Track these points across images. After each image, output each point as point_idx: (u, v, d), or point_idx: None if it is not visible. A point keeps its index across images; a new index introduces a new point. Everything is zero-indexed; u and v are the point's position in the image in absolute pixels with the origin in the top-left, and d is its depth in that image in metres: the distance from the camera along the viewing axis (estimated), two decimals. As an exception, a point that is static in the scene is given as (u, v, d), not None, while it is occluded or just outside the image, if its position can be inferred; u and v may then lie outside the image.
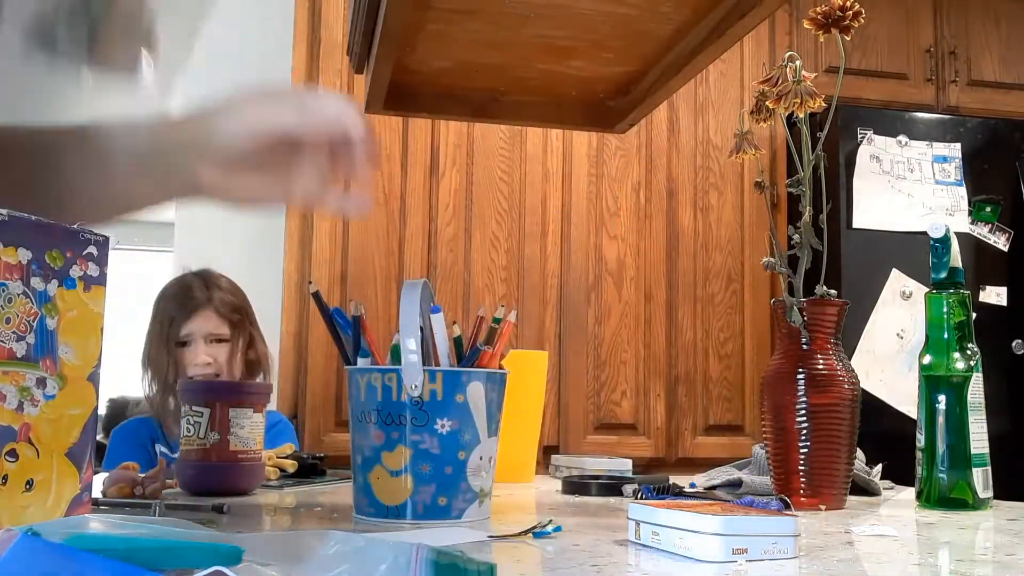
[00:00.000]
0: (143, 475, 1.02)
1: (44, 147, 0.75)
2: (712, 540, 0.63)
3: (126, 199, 0.77)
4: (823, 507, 1.00)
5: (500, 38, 1.15)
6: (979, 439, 1.04)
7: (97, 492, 1.00)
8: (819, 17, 1.02)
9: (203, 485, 1.06)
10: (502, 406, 0.89)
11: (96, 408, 0.61)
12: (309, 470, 1.29)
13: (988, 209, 2.76)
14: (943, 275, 1.07)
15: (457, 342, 0.88)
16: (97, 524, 0.45)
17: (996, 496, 1.05)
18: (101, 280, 0.60)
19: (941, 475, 1.03)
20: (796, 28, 2.81)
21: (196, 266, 1.96)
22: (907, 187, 2.70)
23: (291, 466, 1.27)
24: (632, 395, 2.60)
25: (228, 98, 0.73)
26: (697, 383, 2.65)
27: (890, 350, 2.60)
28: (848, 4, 1.01)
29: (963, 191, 2.75)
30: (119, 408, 6.85)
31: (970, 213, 2.74)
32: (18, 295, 0.54)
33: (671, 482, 1.12)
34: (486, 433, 0.86)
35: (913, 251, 2.62)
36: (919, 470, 1.05)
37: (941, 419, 1.04)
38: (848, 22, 1.01)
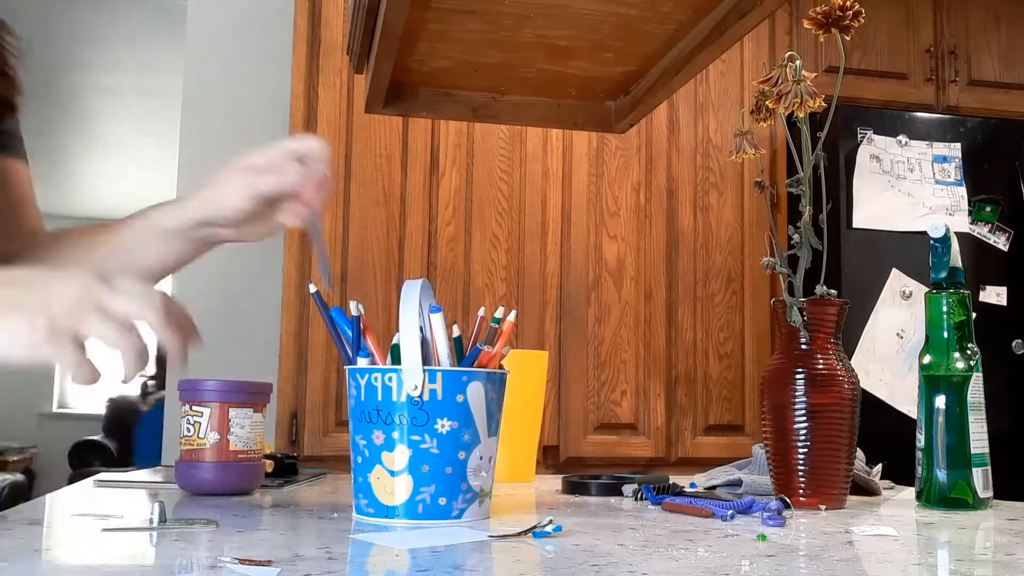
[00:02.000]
0: None
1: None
2: None
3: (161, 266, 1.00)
4: (823, 507, 1.00)
5: (500, 38, 1.15)
6: (979, 439, 1.04)
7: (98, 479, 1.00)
8: (819, 17, 1.02)
9: (203, 485, 1.06)
10: (502, 406, 0.89)
11: None
12: (288, 469, 1.30)
13: (988, 209, 2.76)
14: (943, 275, 1.07)
15: (457, 342, 0.88)
16: None
17: (996, 496, 1.05)
18: None
19: (941, 475, 1.03)
20: (796, 28, 2.81)
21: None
22: (907, 187, 2.70)
23: (268, 466, 1.27)
24: (632, 395, 2.60)
25: (220, 174, 0.95)
26: (697, 383, 2.65)
27: (890, 350, 2.60)
28: (848, 4, 1.01)
29: (963, 191, 2.75)
30: (118, 408, 6.85)
31: (970, 213, 2.74)
32: None
33: (671, 482, 1.12)
34: (486, 433, 0.86)
35: (913, 251, 2.62)
36: (919, 470, 1.05)
37: (941, 419, 1.04)
38: (848, 22, 1.01)
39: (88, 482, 1.23)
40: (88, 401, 7.32)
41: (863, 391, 1.06)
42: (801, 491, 1.02)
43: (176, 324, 0.71)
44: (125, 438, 6.57)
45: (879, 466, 1.24)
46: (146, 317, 0.69)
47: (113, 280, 0.70)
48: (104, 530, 0.77)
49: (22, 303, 0.67)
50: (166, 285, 2.98)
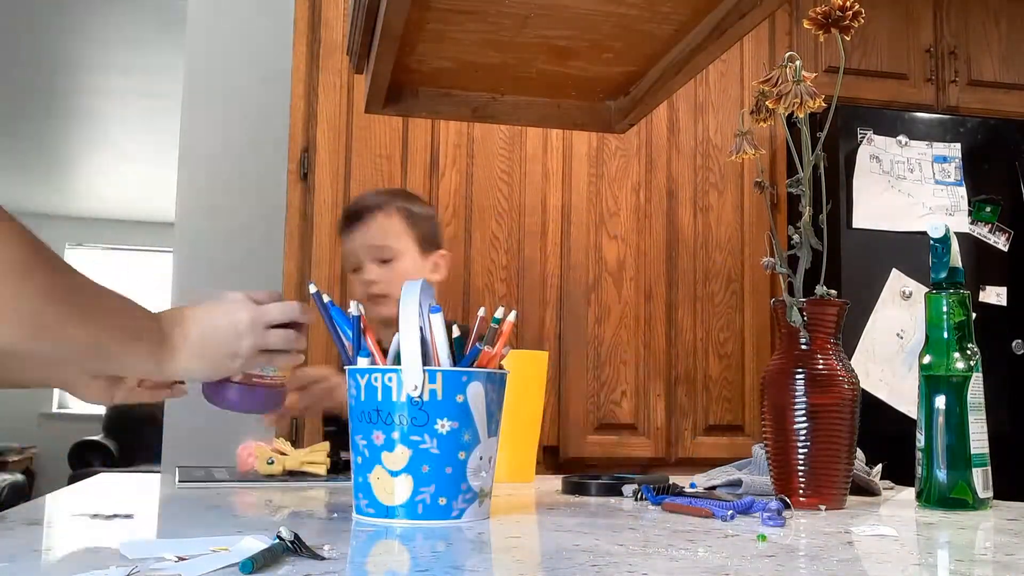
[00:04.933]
0: None
1: None
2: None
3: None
4: (823, 507, 1.00)
5: (500, 38, 1.15)
6: (979, 439, 1.04)
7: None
8: (819, 17, 1.02)
9: (230, 404, 1.13)
10: (502, 406, 0.89)
11: None
12: (345, 466, 1.29)
13: (988, 209, 2.76)
14: (943, 275, 1.07)
15: (457, 342, 0.88)
16: None
17: (996, 496, 1.05)
18: None
19: (941, 475, 1.03)
20: (796, 28, 2.81)
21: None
22: (907, 187, 2.70)
23: (321, 467, 1.25)
24: (632, 395, 2.60)
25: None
26: (697, 383, 2.65)
27: (890, 350, 2.60)
28: (848, 4, 1.01)
29: (963, 191, 2.74)
30: (118, 408, 6.85)
31: (970, 213, 2.74)
32: None
33: (671, 482, 1.11)
34: (486, 433, 0.86)
35: (913, 251, 2.62)
36: (919, 470, 1.05)
37: (941, 419, 1.04)
38: (848, 22, 1.01)
39: (92, 480, 1.23)
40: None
41: (863, 391, 1.06)
42: (801, 491, 1.02)
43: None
44: (125, 438, 6.56)
45: (879, 466, 1.24)
46: (295, 314, 0.95)
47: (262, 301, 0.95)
48: (94, 516, 0.77)
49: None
50: (165, 290, 2.98)
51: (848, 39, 1.02)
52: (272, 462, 1.22)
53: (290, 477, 1.24)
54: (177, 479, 1.15)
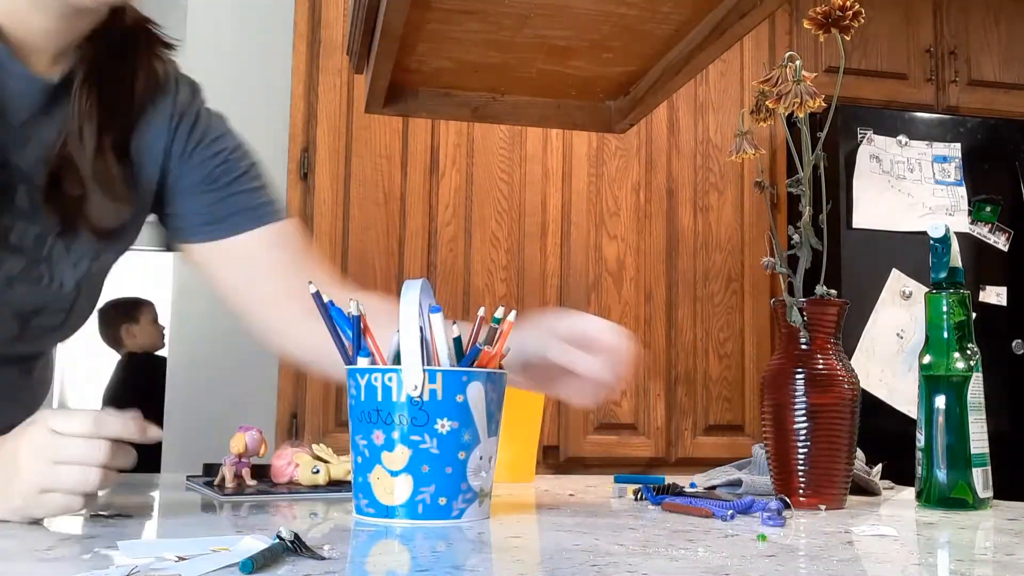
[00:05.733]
0: None
1: None
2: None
3: None
4: (823, 507, 1.00)
5: (500, 38, 1.15)
6: (979, 439, 1.04)
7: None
8: (819, 17, 1.02)
9: None
10: (502, 406, 0.89)
11: None
12: None
13: (988, 209, 2.76)
14: (943, 275, 1.07)
15: (457, 342, 0.88)
16: None
17: (996, 496, 1.05)
18: None
19: (941, 475, 1.03)
20: (796, 28, 2.81)
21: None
22: (907, 187, 2.70)
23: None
24: (632, 395, 2.60)
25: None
26: (697, 383, 2.65)
27: (890, 350, 2.60)
28: (848, 4, 1.01)
29: (963, 191, 2.75)
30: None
31: (970, 213, 2.74)
32: None
33: (671, 482, 1.11)
34: (486, 433, 0.86)
35: (913, 251, 2.62)
36: (919, 470, 1.05)
37: (941, 419, 1.04)
38: (848, 22, 1.01)
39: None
40: (88, 401, 7.31)
41: (863, 391, 1.06)
42: (801, 491, 1.02)
43: (118, 439, 0.80)
44: (125, 438, 6.56)
45: (879, 466, 1.24)
46: (95, 456, 0.78)
47: (61, 433, 0.78)
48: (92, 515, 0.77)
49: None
50: (166, 292, 2.98)
51: (848, 39, 1.02)
52: (318, 471, 1.15)
53: (333, 487, 1.15)
54: (221, 495, 1.08)
